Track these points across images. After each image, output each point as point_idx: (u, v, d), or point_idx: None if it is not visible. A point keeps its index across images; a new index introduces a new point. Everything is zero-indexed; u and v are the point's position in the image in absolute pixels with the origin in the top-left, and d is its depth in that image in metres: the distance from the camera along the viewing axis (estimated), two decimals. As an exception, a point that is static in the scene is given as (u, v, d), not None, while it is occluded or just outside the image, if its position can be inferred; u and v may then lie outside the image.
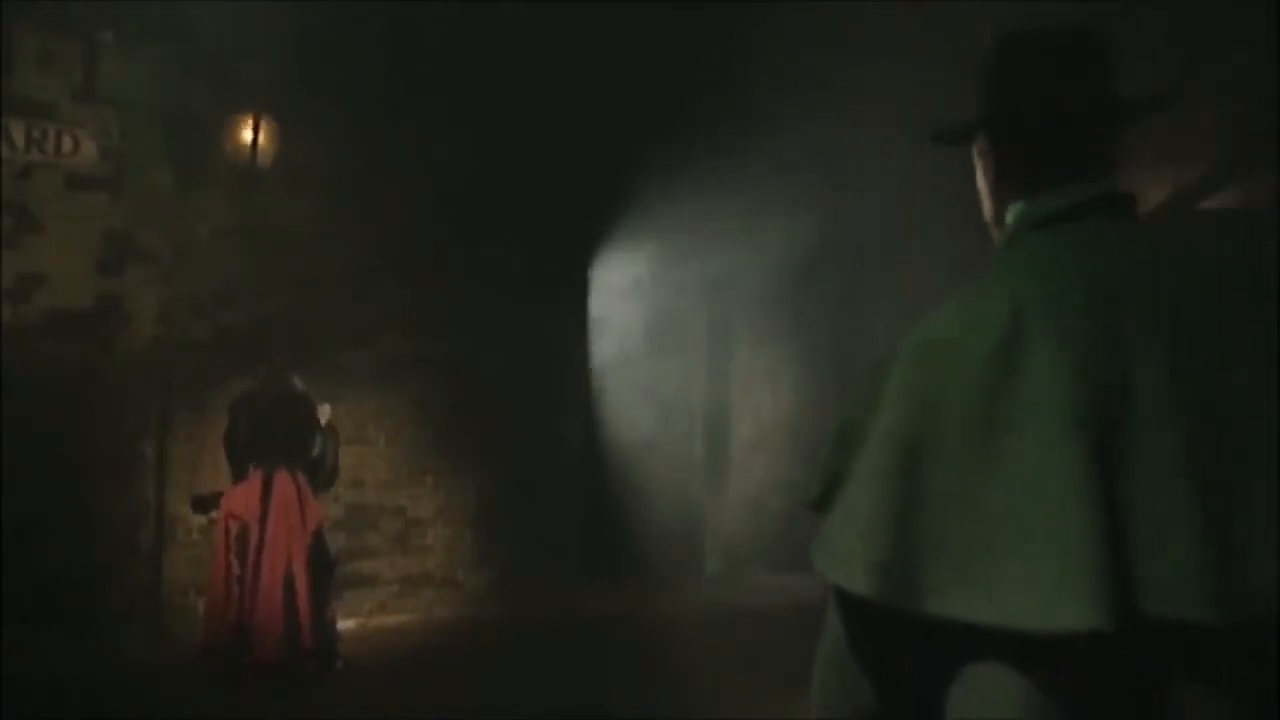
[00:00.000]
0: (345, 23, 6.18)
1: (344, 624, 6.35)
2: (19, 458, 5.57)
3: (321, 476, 5.77)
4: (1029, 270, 1.27)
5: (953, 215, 6.71)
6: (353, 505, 6.95)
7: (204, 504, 5.72)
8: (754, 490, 9.32)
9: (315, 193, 6.71)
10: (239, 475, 5.48)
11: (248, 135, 6.36)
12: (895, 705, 1.31)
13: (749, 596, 8.17)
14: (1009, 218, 1.41)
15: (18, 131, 5.76)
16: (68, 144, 5.90)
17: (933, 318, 1.31)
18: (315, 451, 5.61)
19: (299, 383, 5.67)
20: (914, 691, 1.28)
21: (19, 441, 5.59)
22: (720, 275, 8.47)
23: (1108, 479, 1.11)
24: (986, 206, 1.51)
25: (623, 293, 8.43)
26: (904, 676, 1.28)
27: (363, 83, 6.71)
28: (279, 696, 5.14)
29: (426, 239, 7.14)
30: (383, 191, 6.96)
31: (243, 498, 5.41)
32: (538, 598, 7.45)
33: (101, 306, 6.04)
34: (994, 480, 1.14)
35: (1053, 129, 1.41)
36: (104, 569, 5.94)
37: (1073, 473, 1.11)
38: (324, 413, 5.70)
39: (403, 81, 6.86)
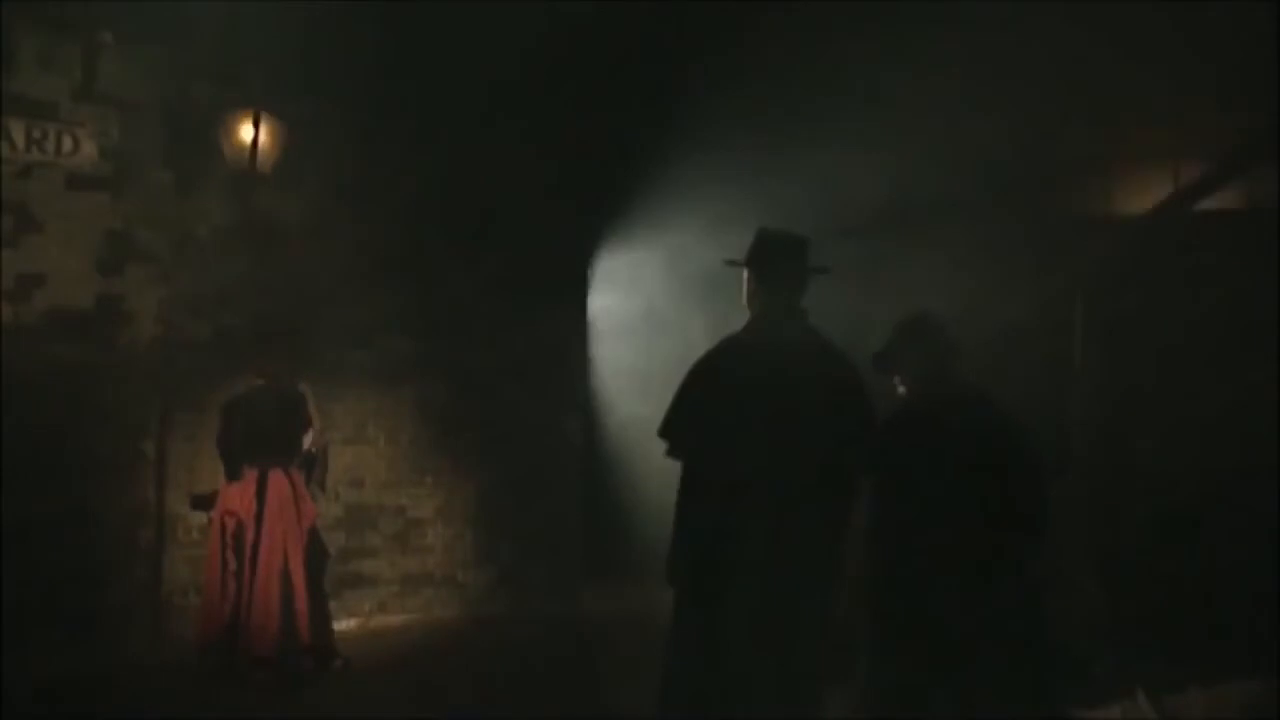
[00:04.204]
0: (345, 22, 6.18)
1: (344, 624, 6.36)
2: (19, 458, 5.57)
3: (316, 475, 5.80)
4: (753, 342, 3.34)
5: (950, 215, 6.72)
6: (352, 505, 6.95)
7: (203, 503, 5.72)
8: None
9: (315, 193, 6.71)
10: (233, 475, 5.49)
11: (248, 135, 6.35)
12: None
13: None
14: (751, 316, 3.41)
15: (18, 131, 5.75)
16: (68, 144, 5.90)
17: (711, 353, 3.37)
18: (307, 449, 5.64)
19: (302, 385, 5.68)
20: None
21: (19, 441, 5.59)
22: (721, 273, 8.45)
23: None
24: (745, 302, 3.47)
25: (623, 291, 8.43)
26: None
27: (363, 83, 6.71)
28: (279, 696, 5.15)
29: (426, 239, 7.14)
30: (383, 191, 6.96)
31: (238, 495, 5.42)
32: (538, 598, 7.45)
33: (101, 306, 6.04)
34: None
35: (771, 277, 3.38)
36: (104, 569, 5.94)
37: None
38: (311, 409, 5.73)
39: (403, 81, 6.86)
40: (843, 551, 3.20)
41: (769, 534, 3.10)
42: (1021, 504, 3.22)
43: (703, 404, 3.25)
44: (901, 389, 3.49)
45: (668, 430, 3.30)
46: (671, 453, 3.30)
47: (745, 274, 3.44)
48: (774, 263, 3.37)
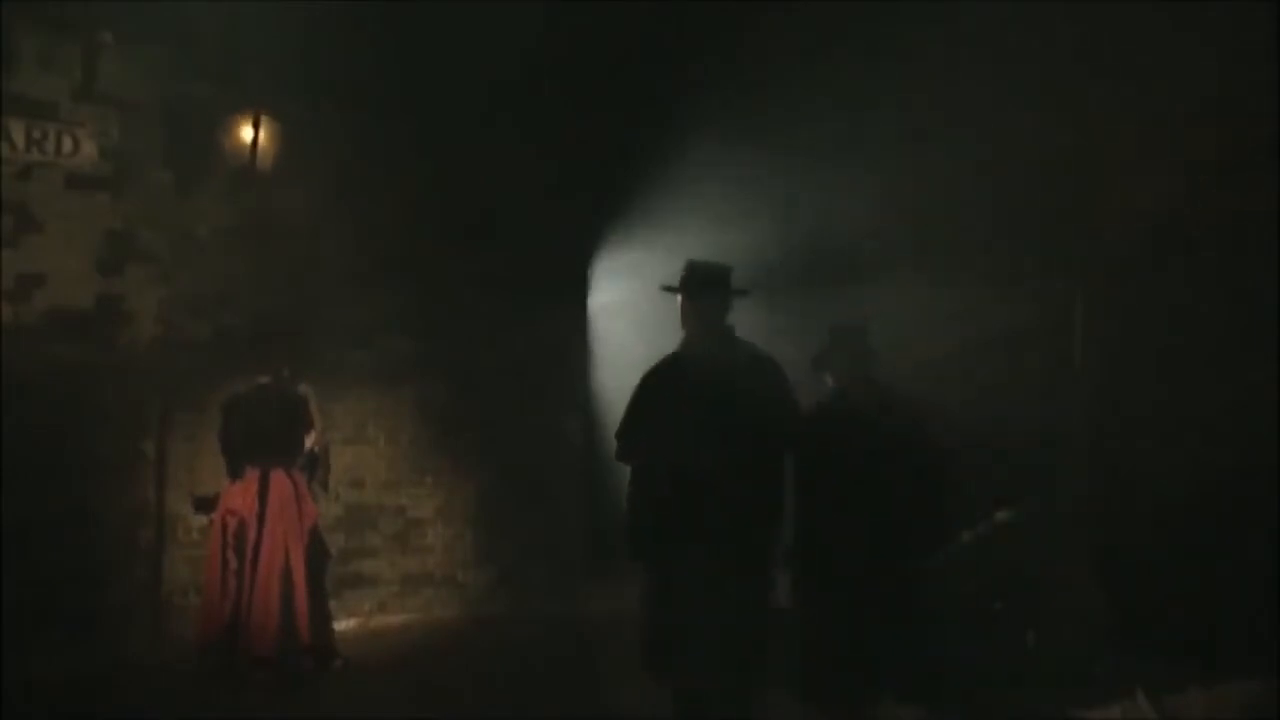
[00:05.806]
0: (345, 22, 6.18)
1: (344, 624, 6.36)
2: (19, 458, 5.57)
3: (319, 475, 5.80)
4: (690, 356, 3.98)
5: (949, 213, 6.72)
6: (352, 505, 6.95)
7: (206, 505, 5.73)
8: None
9: (316, 192, 6.71)
10: (235, 472, 5.50)
11: (248, 135, 6.35)
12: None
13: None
14: (685, 334, 4.02)
15: (18, 131, 5.76)
16: (68, 144, 5.90)
17: (655, 368, 4.01)
18: (309, 449, 5.65)
19: (303, 387, 5.68)
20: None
21: (19, 441, 5.59)
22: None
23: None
24: (682, 323, 4.03)
25: (623, 291, 8.42)
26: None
27: (363, 83, 6.70)
28: (279, 696, 5.15)
29: (426, 239, 7.14)
30: (383, 191, 6.96)
31: (240, 494, 5.42)
32: (538, 598, 7.45)
33: (101, 306, 6.04)
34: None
35: (700, 300, 3.98)
36: (104, 569, 5.95)
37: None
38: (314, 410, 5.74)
39: (403, 81, 6.86)
40: (778, 530, 3.88)
41: (712, 515, 3.69)
42: (916, 483, 3.93)
43: (650, 411, 3.89)
44: (831, 384, 4.24)
45: (622, 435, 3.95)
46: (620, 457, 3.95)
47: (679, 299, 4.02)
48: (702, 289, 3.98)
